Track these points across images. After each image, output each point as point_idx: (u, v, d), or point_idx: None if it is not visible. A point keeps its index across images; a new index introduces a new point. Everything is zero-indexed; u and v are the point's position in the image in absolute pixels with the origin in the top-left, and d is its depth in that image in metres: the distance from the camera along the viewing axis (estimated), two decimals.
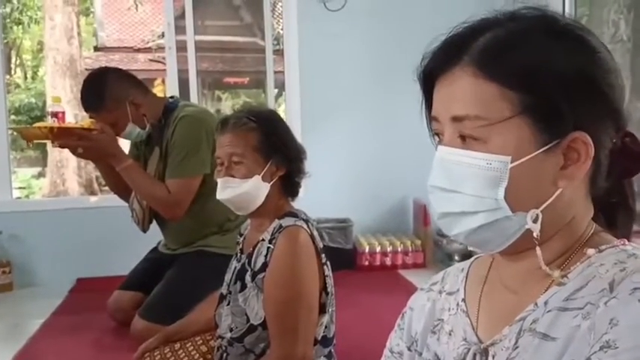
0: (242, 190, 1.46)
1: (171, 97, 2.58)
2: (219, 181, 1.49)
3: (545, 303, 0.66)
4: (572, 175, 0.66)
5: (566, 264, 0.68)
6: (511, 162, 0.64)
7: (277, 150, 1.50)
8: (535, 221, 0.65)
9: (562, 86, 0.63)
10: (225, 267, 2.51)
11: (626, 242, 0.68)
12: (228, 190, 1.47)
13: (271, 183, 1.50)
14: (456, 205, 0.68)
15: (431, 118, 0.72)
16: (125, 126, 2.38)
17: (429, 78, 0.71)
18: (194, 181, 2.36)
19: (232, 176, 1.47)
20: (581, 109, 0.64)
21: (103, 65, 12.65)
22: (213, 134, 2.35)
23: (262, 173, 1.48)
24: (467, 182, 0.66)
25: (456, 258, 3.49)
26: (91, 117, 2.38)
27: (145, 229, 2.55)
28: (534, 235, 0.66)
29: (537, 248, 0.66)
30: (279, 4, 5.11)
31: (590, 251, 0.67)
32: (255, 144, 1.47)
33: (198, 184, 2.36)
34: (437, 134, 0.72)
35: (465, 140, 0.67)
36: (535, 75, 0.64)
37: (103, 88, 2.34)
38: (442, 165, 0.69)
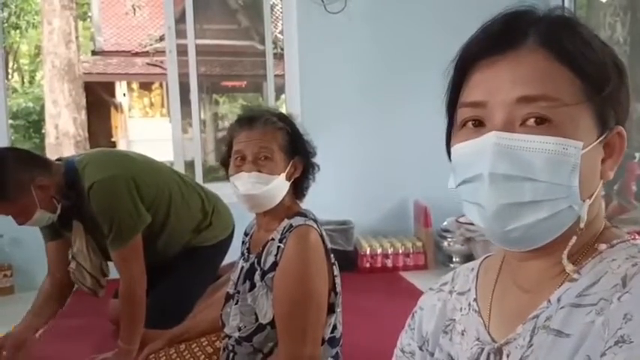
0: (271, 186, 1.46)
1: (59, 160, 2.20)
2: (245, 175, 1.46)
3: (558, 300, 0.66)
4: (611, 167, 0.68)
5: (578, 259, 0.68)
6: (582, 149, 0.64)
7: (298, 151, 1.52)
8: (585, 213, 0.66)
9: (614, 82, 0.66)
10: (216, 255, 2.50)
11: (637, 237, 0.69)
12: (257, 185, 1.45)
13: (290, 183, 1.51)
14: (525, 194, 0.64)
15: (465, 104, 0.69)
16: (33, 214, 2.03)
17: (469, 63, 0.69)
18: (135, 242, 2.14)
19: (260, 172, 1.46)
20: (621, 105, 0.68)
21: (100, 71, 12.42)
22: (131, 179, 2.15)
23: (286, 172, 1.49)
24: (540, 168, 0.63)
25: (457, 259, 3.50)
26: None
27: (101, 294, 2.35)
28: (581, 225, 0.66)
29: (574, 237, 0.66)
30: (277, 7, 5.14)
31: (602, 246, 0.67)
32: (282, 143, 1.49)
33: (140, 241, 2.15)
34: (472, 120, 0.68)
35: (525, 125, 0.64)
36: (599, 67, 0.65)
37: (2, 177, 1.96)
38: (503, 151, 0.64)
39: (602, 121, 0.66)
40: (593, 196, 0.66)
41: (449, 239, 3.47)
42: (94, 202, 2.08)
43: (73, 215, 2.18)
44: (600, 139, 0.66)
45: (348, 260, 3.44)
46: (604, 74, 0.66)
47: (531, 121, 0.64)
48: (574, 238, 0.66)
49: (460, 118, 0.69)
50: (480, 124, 0.67)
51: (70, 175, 2.12)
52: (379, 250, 3.52)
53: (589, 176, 0.66)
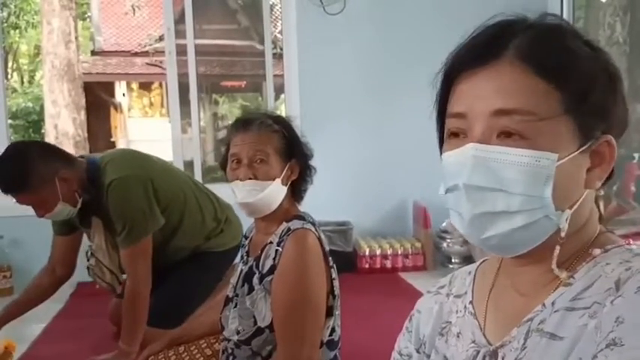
0: (267, 192, 1.46)
1: (81, 157, 2.25)
2: (240, 183, 1.47)
3: (553, 303, 0.67)
4: (598, 176, 0.68)
5: (572, 264, 0.69)
6: (557, 160, 0.64)
7: (294, 154, 1.52)
8: (566, 221, 0.66)
9: (601, 91, 0.66)
10: (224, 261, 2.52)
11: (631, 242, 0.69)
12: (253, 192, 1.45)
13: (287, 186, 1.51)
14: (498, 204, 0.65)
15: (450, 115, 0.70)
16: (54, 206, 2.07)
17: (455, 74, 0.70)
18: (145, 243, 2.16)
19: (255, 177, 1.46)
20: (610, 113, 0.68)
21: (100, 71, 12.44)
22: (148, 180, 2.19)
23: (282, 176, 1.49)
24: (513, 180, 0.64)
25: (456, 260, 3.50)
26: (16, 198, 2.08)
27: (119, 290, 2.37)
28: (562, 235, 0.66)
29: (557, 247, 0.67)
30: (276, 7, 5.14)
31: (596, 251, 0.68)
32: (278, 146, 1.49)
33: (150, 242, 2.18)
34: (455, 132, 0.70)
35: (502, 137, 0.65)
36: (582, 78, 0.66)
37: (27, 166, 2.01)
38: (479, 163, 0.66)
39: (584, 131, 0.66)
40: (575, 206, 0.67)
41: (448, 240, 3.48)
42: (111, 199, 2.12)
43: (92, 211, 2.22)
44: (582, 149, 0.66)
45: (347, 261, 3.44)
46: (587, 84, 0.66)
47: (507, 134, 0.65)
48: (557, 248, 0.67)
49: (447, 128, 0.71)
50: (464, 135, 0.69)
51: (91, 171, 2.16)
52: (378, 251, 3.53)
53: (568, 186, 0.66)
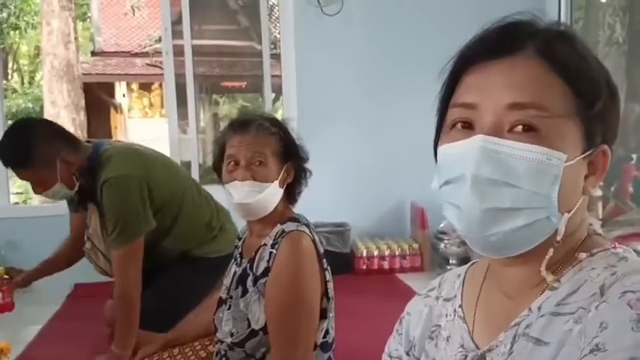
0: (265, 193, 1.45)
1: (88, 142, 2.27)
2: (238, 184, 1.46)
3: (539, 308, 0.67)
4: (592, 184, 0.68)
5: (559, 268, 0.68)
6: (565, 161, 0.64)
7: (291, 157, 1.52)
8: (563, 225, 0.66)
9: (605, 101, 0.67)
10: (218, 267, 2.51)
11: (617, 245, 0.69)
12: (252, 193, 1.44)
13: (283, 189, 1.51)
14: (506, 199, 0.64)
15: (456, 105, 0.69)
16: (52, 185, 2.11)
17: (465, 66, 0.69)
18: (136, 245, 2.15)
19: (253, 179, 1.46)
20: (610, 125, 0.68)
21: (100, 71, 12.36)
22: (144, 180, 2.18)
23: (279, 179, 1.48)
24: (522, 175, 0.63)
25: (453, 261, 3.50)
26: (16, 172, 2.14)
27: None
28: (558, 238, 0.66)
29: (550, 250, 0.66)
30: (276, 8, 5.14)
31: (582, 255, 0.68)
32: (276, 148, 1.49)
33: (141, 245, 2.17)
34: (460, 122, 0.68)
35: (514, 131, 0.65)
36: (593, 84, 0.66)
37: (31, 143, 2.04)
38: (489, 155, 0.64)
39: (588, 137, 0.66)
40: (573, 211, 0.67)
41: (445, 241, 3.47)
42: (105, 197, 2.12)
43: (88, 197, 2.24)
44: (585, 154, 0.66)
45: (344, 262, 3.44)
46: (596, 91, 0.66)
47: (519, 128, 0.64)
48: (551, 251, 0.66)
49: (450, 118, 0.70)
50: (468, 127, 0.67)
51: (92, 161, 2.18)
52: (376, 252, 3.52)
53: (570, 189, 0.66)
